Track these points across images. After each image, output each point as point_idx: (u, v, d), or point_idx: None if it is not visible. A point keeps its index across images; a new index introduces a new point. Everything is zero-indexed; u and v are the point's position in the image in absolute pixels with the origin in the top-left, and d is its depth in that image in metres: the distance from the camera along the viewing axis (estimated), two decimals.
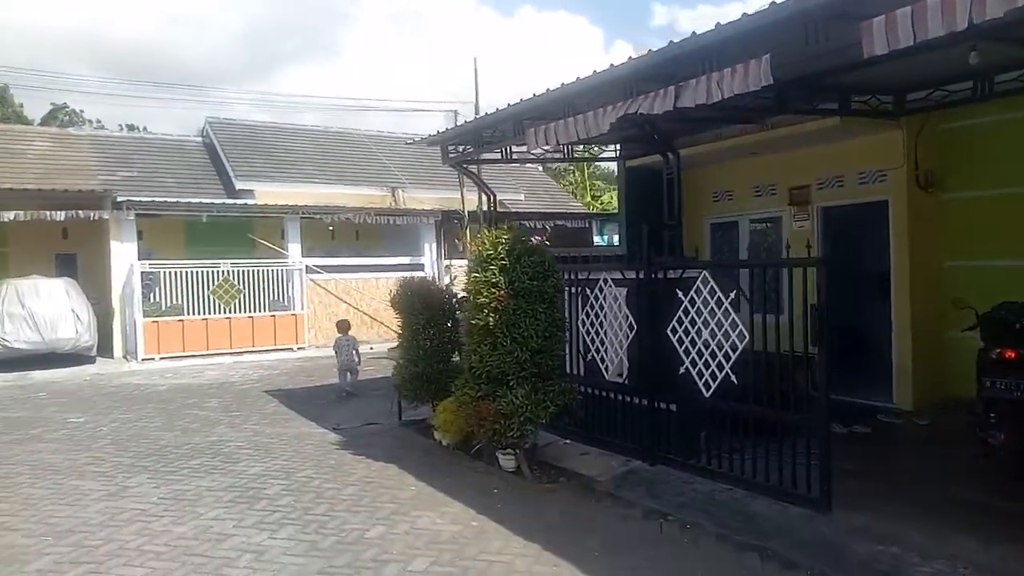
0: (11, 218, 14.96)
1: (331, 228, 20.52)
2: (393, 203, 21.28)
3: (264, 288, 16.98)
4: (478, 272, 6.53)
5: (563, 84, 7.10)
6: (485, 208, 9.32)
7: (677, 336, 6.35)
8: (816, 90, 7.12)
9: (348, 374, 11.42)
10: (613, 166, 34.31)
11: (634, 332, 6.82)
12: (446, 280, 18.87)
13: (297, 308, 17.38)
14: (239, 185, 19.92)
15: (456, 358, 8.41)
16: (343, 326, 11.95)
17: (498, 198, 20.19)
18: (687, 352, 6.26)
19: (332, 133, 24.17)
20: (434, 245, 19.63)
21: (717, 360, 6.00)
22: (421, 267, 19.34)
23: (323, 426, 8.96)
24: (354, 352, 11.49)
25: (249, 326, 16.68)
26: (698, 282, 6.15)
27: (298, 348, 17.06)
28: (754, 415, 5.75)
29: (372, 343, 17.82)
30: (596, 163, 32.89)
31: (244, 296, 16.68)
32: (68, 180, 17.79)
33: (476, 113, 18.89)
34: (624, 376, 7.09)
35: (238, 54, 75.60)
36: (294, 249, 17.76)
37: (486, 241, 6.63)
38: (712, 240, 10.85)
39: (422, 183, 22.41)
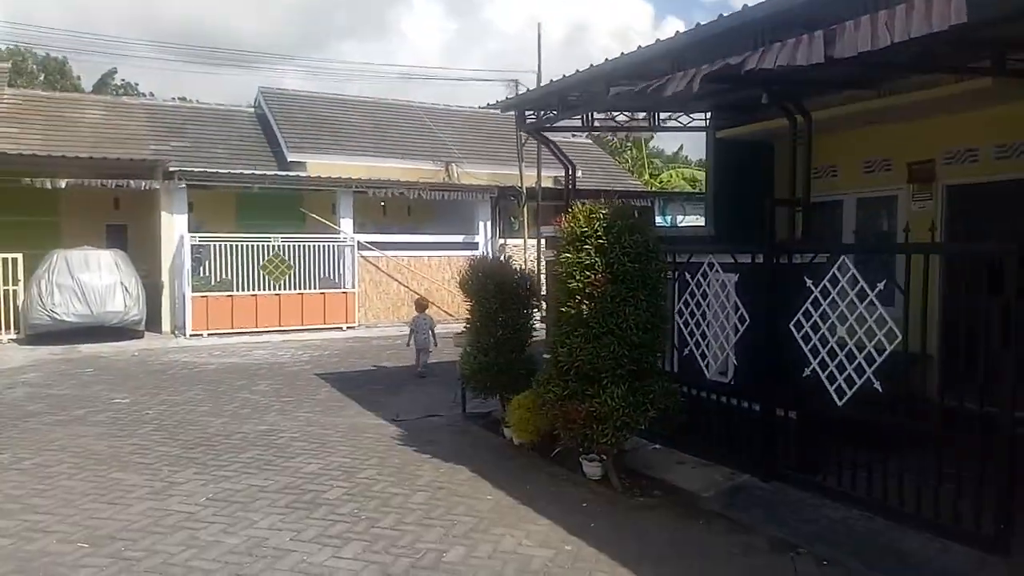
0: (63, 186, 14.58)
1: (383, 204, 19.89)
2: (446, 178, 20.49)
3: (315, 264, 16.37)
4: (570, 252, 5.66)
5: (667, 37, 6.15)
6: (560, 183, 8.44)
7: (803, 332, 5.41)
8: (970, 45, 6.02)
9: (422, 355, 11.07)
10: (669, 143, 32.80)
11: (745, 326, 5.89)
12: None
13: (348, 286, 16.76)
14: (291, 157, 19.34)
15: (541, 349, 7.61)
16: (421, 304, 11.65)
17: (554, 174, 19.39)
18: (815, 351, 5.32)
19: (385, 105, 23.43)
20: (488, 223, 18.80)
21: (856, 362, 5.04)
22: (475, 246, 18.55)
23: (381, 416, 8.24)
24: (431, 332, 11.15)
25: (299, 303, 16.12)
26: (835, 269, 5.19)
27: (347, 327, 16.46)
28: (904, 428, 4.79)
29: None
30: (656, 137, 31.58)
31: (294, 272, 16.11)
32: (120, 149, 17.39)
33: (539, 82, 17.90)
34: (730, 376, 6.17)
35: (291, 27, 75.42)
36: (346, 224, 17.12)
37: (579, 216, 5.75)
38: (807, 223, 9.74)
39: (476, 158, 21.56)
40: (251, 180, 16.31)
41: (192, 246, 15.29)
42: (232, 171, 16.82)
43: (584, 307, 5.49)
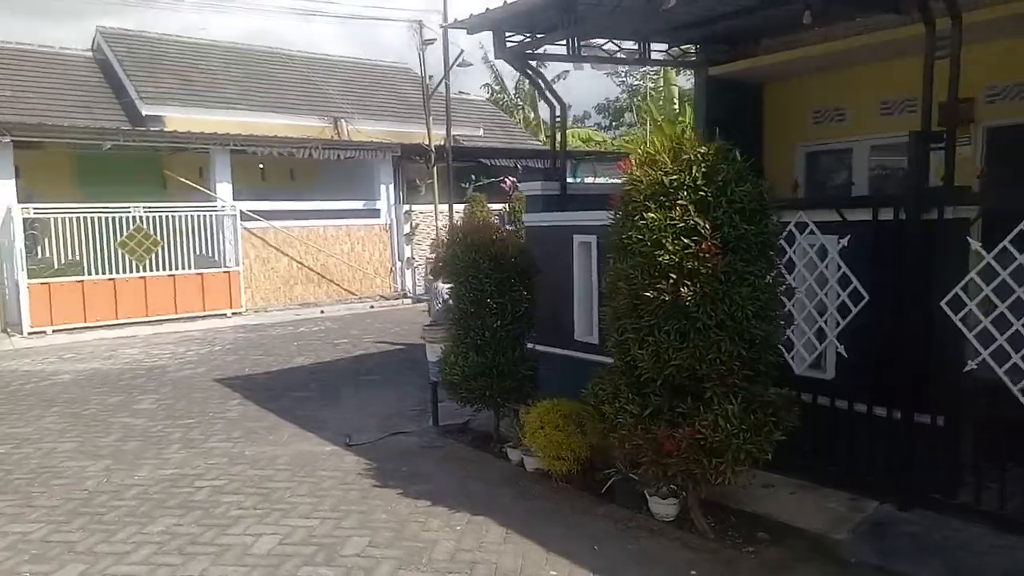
0: None
1: (261, 166, 17.14)
2: (336, 136, 17.97)
3: (189, 239, 13.56)
4: (653, 210, 3.91)
5: None
6: (556, 124, 6.62)
7: (963, 313, 4.00)
8: None
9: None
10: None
11: (861, 304, 4.42)
12: (406, 229, 16.04)
13: (230, 263, 14.09)
14: (146, 110, 16.09)
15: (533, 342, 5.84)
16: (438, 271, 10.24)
17: (453, 133, 17.41)
18: (986, 338, 3.92)
19: (259, 52, 20.28)
20: (391, 187, 16.60)
21: None
22: (377, 213, 16.37)
23: (328, 439, 6.20)
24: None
25: (170, 287, 13.32)
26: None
27: (233, 314, 13.86)
28: None
29: (322, 305, 14.86)
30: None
31: (163, 249, 13.24)
32: None
33: (445, 19, 15.75)
34: (830, 371, 4.71)
35: None
36: (224, 190, 14.38)
37: (663, 154, 4.00)
38: (808, 173, 8.55)
39: (369, 114, 19.12)
40: (101, 136, 13.16)
41: (25, 220, 12.09)
42: (76, 125, 13.55)
43: (684, 289, 3.78)
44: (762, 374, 4.00)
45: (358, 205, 16.17)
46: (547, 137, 26.22)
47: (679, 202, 3.88)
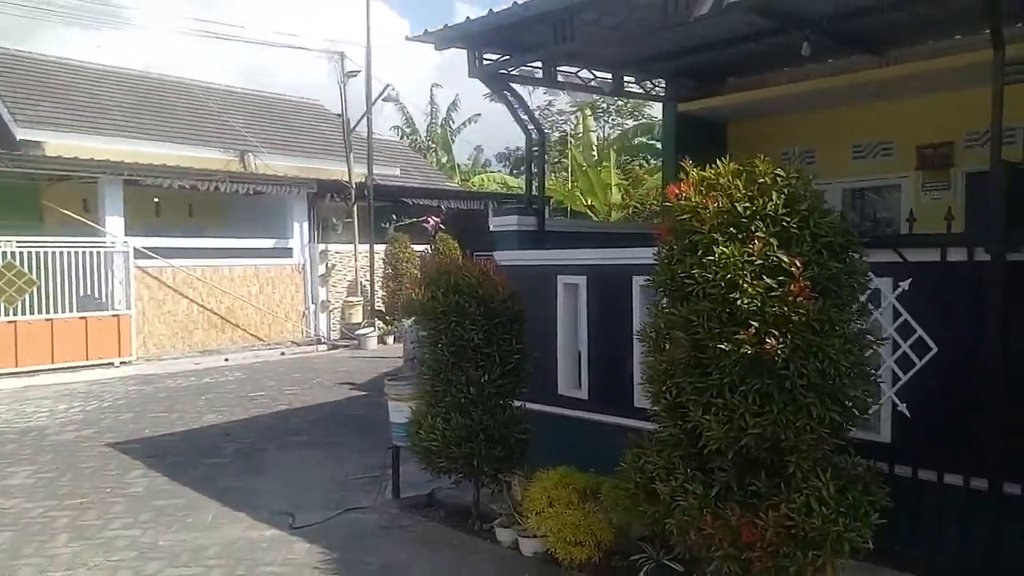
0: None
1: (156, 200, 15.53)
2: (243, 170, 16.57)
3: (71, 278, 11.82)
4: (723, 243, 3.20)
5: None
6: (534, 153, 5.83)
7: None
8: None
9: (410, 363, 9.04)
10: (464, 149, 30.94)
11: (928, 357, 3.87)
12: (321, 270, 14.85)
13: (119, 306, 12.40)
14: (21, 134, 14.21)
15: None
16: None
17: (380, 171, 16.46)
18: None
19: (155, 80, 18.62)
20: (305, 225, 15.36)
21: None
22: (289, 252, 15.08)
23: (265, 518, 5.04)
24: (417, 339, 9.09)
25: (47, 332, 11.50)
26: None
27: (122, 363, 12.14)
28: None
29: (226, 352, 13.38)
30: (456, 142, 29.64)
31: (39, 289, 11.46)
32: None
33: (368, 55, 14.93)
34: (888, 433, 4.10)
35: None
36: (114, 224, 12.76)
37: (732, 180, 3.32)
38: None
39: (279, 149, 17.85)
40: None
41: None
42: None
43: (771, 340, 3.05)
44: (849, 443, 3.31)
45: (268, 244, 14.82)
46: (462, 180, 25.66)
47: (757, 234, 3.19)
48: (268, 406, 8.82)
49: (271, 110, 19.91)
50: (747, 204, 3.25)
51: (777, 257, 3.14)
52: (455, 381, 4.69)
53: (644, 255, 5.34)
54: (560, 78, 6.36)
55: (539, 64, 6.14)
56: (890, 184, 7.42)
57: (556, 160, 33.87)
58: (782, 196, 3.24)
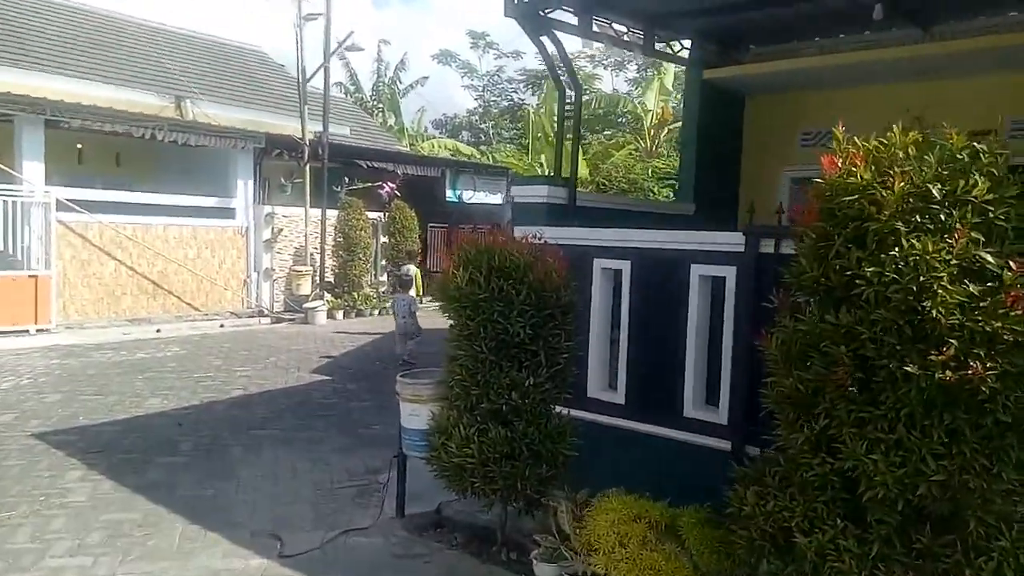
0: None
1: (80, 146, 13.92)
2: (179, 117, 15.03)
3: None
4: (903, 235, 2.51)
5: None
6: (567, 113, 4.97)
7: None
8: None
9: (407, 340, 9.41)
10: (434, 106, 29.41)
11: None
12: (266, 235, 13.66)
13: (38, 266, 10.96)
14: None
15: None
16: (403, 281, 10.43)
17: (319, 129, 15.14)
18: None
19: (80, 11, 16.65)
20: (250, 184, 14.03)
21: None
22: (232, 213, 13.78)
23: (245, 541, 4.15)
24: (411, 314, 9.38)
25: None
26: None
27: (39, 330, 10.73)
28: None
29: (157, 322, 12.12)
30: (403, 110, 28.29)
31: None
32: None
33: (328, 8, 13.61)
34: None
35: None
36: (33, 171, 11.22)
37: (904, 149, 2.65)
38: (792, 200, 7.63)
39: (223, 97, 16.36)
40: None
41: None
42: None
43: (977, 364, 2.39)
44: None
45: (209, 203, 13.46)
46: (410, 144, 24.39)
47: (957, 226, 2.50)
48: (221, 390, 7.77)
49: (211, 54, 18.24)
50: (940, 186, 2.56)
51: (981, 257, 2.47)
52: (494, 384, 3.88)
53: (707, 240, 4.69)
54: (595, 28, 5.52)
55: (573, 11, 5.30)
56: None
57: (513, 131, 32.97)
58: (985, 179, 2.56)
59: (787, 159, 7.60)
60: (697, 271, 4.50)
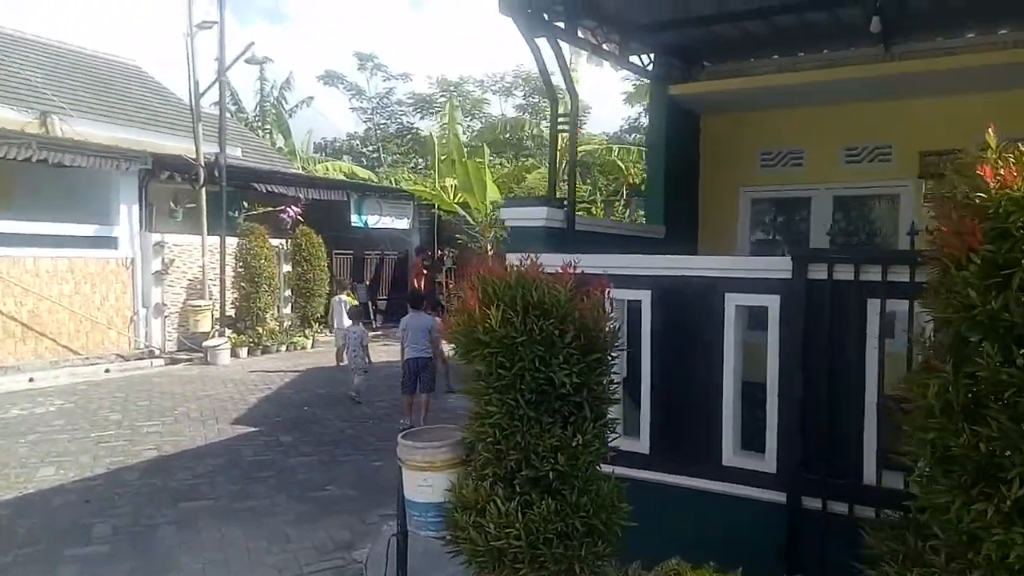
0: None
1: None
2: (45, 134, 13.27)
3: None
4: None
5: None
6: (561, 122, 4.38)
7: None
8: None
9: (358, 375, 9.01)
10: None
11: None
12: (156, 266, 12.30)
13: None
14: None
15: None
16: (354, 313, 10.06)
17: (208, 150, 13.85)
18: None
19: None
20: (135, 208, 12.55)
21: None
22: (113, 242, 12.27)
23: None
24: (361, 347, 8.95)
25: None
26: None
27: None
28: None
29: (29, 369, 10.54)
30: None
31: None
32: None
33: (222, 5, 12.43)
34: None
35: None
36: None
37: None
38: (752, 221, 7.42)
39: (97, 114, 14.66)
40: None
41: None
42: None
43: None
44: None
45: (88, 230, 11.87)
46: (302, 167, 23.03)
47: None
48: (129, 452, 6.56)
49: (81, 67, 16.39)
50: None
51: None
52: (537, 445, 3.22)
53: (745, 266, 4.24)
54: (580, 34, 5.02)
55: (562, 15, 4.78)
56: (888, 192, 6.89)
57: (398, 155, 32.13)
58: None
59: (746, 179, 7.40)
60: (733, 300, 4.04)
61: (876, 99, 6.70)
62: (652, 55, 6.59)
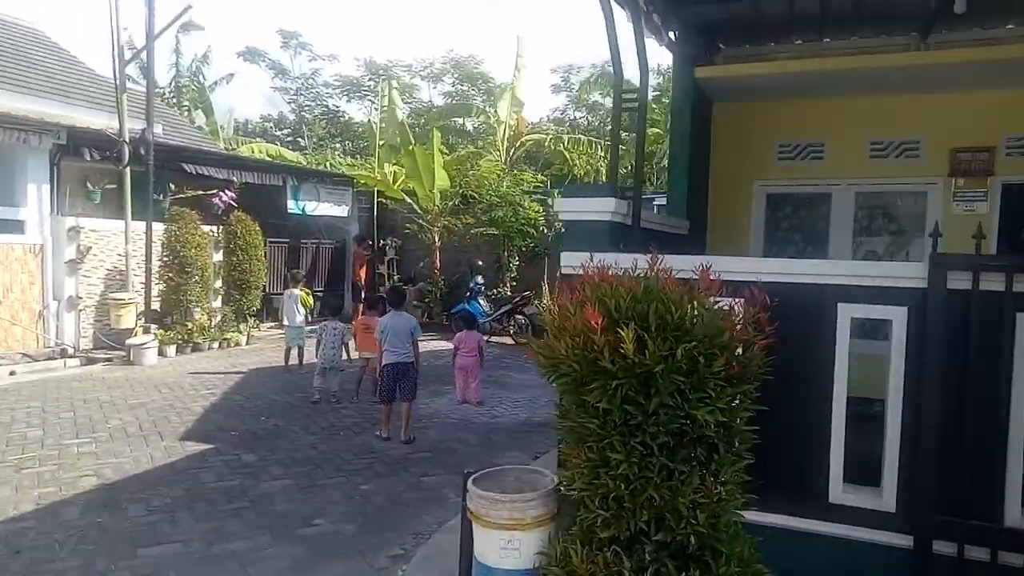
0: None
1: None
2: None
3: None
4: None
5: None
6: (628, 102, 3.61)
7: None
8: None
9: (327, 372, 8.25)
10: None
11: None
12: (70, 254, 10.91)
13: None
14: None
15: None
16: (334, 307, 9.26)
17: (126, 126, 12.40)
18: None
19: None
20: (46, 189, 11.04)
21: None
22: (20, 226, 10.77)
23: None
24: (342, 346, 8.35)
25: None
26: None
27: None
28: None
29: None
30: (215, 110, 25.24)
31: None
32: None
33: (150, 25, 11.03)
34: None
35: None
36: None
37: None
38: (767, 218, 6.93)
39: (6, 82, 12.85)
40: None
41: None
42: None
43: None
44: None
45: None
46: (226, 148, 21.35)
47: None
48: (62, 480, 5.43)
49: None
50: None
51: None
52: (674, 500, 2.52)
53: (865, 273, 3.64)
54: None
55: None
56: (915, 190, 6.52)
57: (332, 137, 30.56)
58: None
59: (761, 173, 6.91)
60: (848, 312, 3.46)
61: (906, 91, 6.30)
62: (675, 32, 5.97)
